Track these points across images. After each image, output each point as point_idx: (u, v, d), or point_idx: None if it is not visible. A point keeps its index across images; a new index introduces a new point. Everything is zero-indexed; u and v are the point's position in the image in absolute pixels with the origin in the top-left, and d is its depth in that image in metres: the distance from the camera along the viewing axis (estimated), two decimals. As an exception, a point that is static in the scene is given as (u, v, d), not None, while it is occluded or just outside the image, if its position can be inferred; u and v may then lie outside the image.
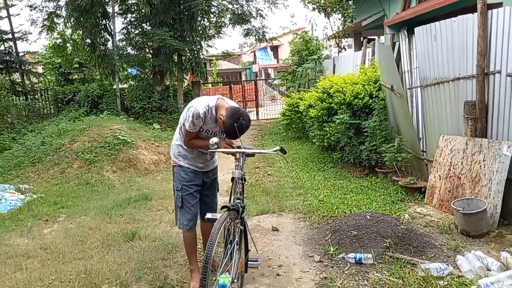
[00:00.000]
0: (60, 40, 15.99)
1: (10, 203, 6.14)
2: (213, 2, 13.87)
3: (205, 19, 14.83)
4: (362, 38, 10.95)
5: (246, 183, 3.03)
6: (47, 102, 14.88)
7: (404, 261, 3.30)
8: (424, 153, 5.46)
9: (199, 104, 2.93)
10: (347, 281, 3.13)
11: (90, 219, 5.09)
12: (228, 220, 2.65)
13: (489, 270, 3.07)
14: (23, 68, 14.55)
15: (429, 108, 5.16)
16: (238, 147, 3.05)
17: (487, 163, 4.04)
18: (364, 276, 3.19)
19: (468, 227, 3.79)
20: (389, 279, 3.08)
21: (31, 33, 17.21)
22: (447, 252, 3.49)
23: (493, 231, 3.83)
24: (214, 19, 15.19)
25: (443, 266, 3.13)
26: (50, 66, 17.62)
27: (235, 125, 2.76)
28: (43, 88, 15.66)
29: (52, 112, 14.25)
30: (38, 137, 9.44)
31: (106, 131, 8.80)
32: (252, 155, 3.17)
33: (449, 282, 2.96)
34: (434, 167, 4.75)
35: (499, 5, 4.36)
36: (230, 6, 14.48)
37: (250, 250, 3.09)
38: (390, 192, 5.21)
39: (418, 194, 5.00)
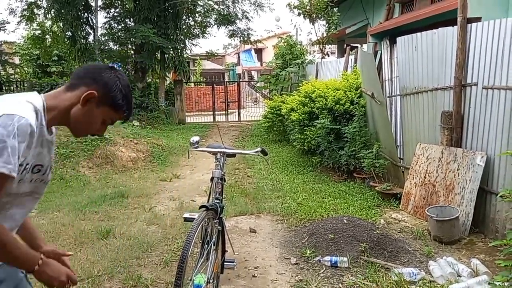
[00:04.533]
0: (39, 32, 15.57)
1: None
2: (199, 2, 13.81)
3: (190, 18, 14.74)
4: (345, 45, 11.10)
5: (225, 183, 3.01)
6: (23, 94, 14.45)
7: (378, 265, 3.35)
8: (401, 160, 5.57)
9: (20, 109, 1.22)
10: (322, 284, 3.15)
11: (63, 215, 4.95)
12: (206, 220, 2.62)
13: (459, 276, 3.15)
14: (-1, 58, 14.12)
15: (408, 117, 5.27)
16: (219, 147, 3.02)
17: (461, 172, 4.15)
18: (339, 280, 3.22)
19: (440, 234, 3.88)
20: (363, 283, 3.12)
21: (9, 23, 16.62)
22: (420, 257, 3.56)
23: (465, 238, 3.94)
24: (199, 19, 15.11)
25: (415, 271, 3.19)
26: (28, 57, 17.14)
27: (128, 91, 1.46)
28: (19, 79, 15.20)
29: (28, 104, 13.84)
30: (12, 129, 9.13)
31: (84, 126, 8.60)
32: (233, 155, 3.15)
33: (421, 287, 3.03)
34: (410, 174, 4.85)
35: (478, 19, 4.51)
36: (216, 6, 14.45)
37: (227, 251, 3.07)
38: (367, 197, 5.29)
39: (394, 200, 5.10)
